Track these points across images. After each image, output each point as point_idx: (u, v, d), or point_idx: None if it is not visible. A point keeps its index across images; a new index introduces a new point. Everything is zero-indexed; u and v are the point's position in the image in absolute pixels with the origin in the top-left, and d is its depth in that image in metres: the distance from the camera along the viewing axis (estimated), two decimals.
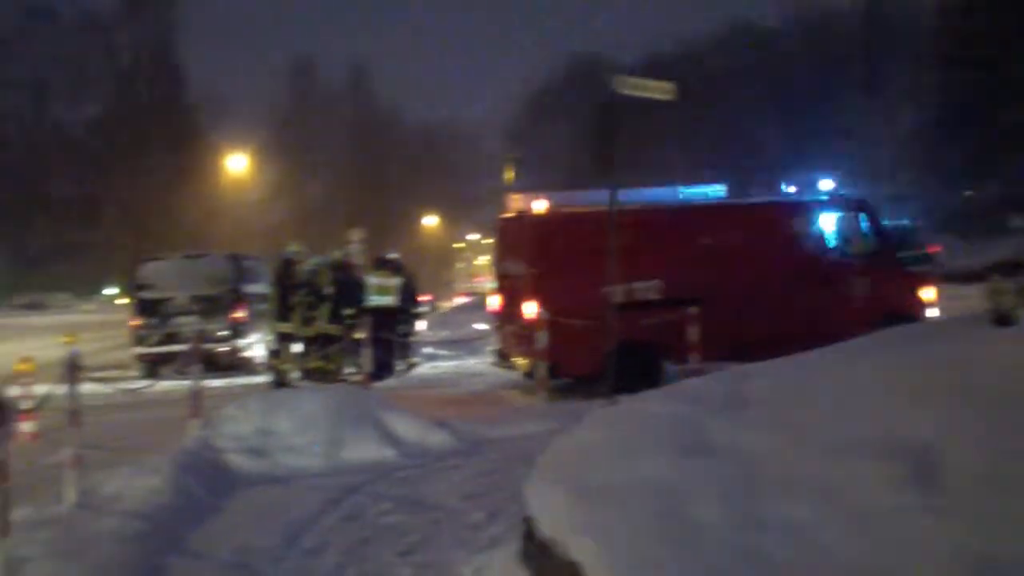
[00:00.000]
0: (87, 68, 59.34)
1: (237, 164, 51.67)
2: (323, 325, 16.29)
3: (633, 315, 13.34)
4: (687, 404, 5.95)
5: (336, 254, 17.97)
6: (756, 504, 4.49)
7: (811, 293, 14.32)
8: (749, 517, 4.41)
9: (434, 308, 46.50)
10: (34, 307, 54.33)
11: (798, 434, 5.03)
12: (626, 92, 11.27)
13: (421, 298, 20.21)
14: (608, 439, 5.85)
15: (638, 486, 4.92)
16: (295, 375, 16.31)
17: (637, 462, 5.20)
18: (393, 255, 19.18)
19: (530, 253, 14.28)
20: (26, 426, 11.41)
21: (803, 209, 15.23)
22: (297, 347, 16.36)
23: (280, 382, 15.98)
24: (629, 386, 9.44)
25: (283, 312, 16.52)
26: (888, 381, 5.28)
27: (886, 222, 15.47)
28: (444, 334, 27.77)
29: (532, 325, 13.56)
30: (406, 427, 10.42)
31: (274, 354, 16.79)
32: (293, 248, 17.28)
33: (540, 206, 14.58)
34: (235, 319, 19.61)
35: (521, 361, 14.66)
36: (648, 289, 14.04)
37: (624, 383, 10.83)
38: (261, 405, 10.49)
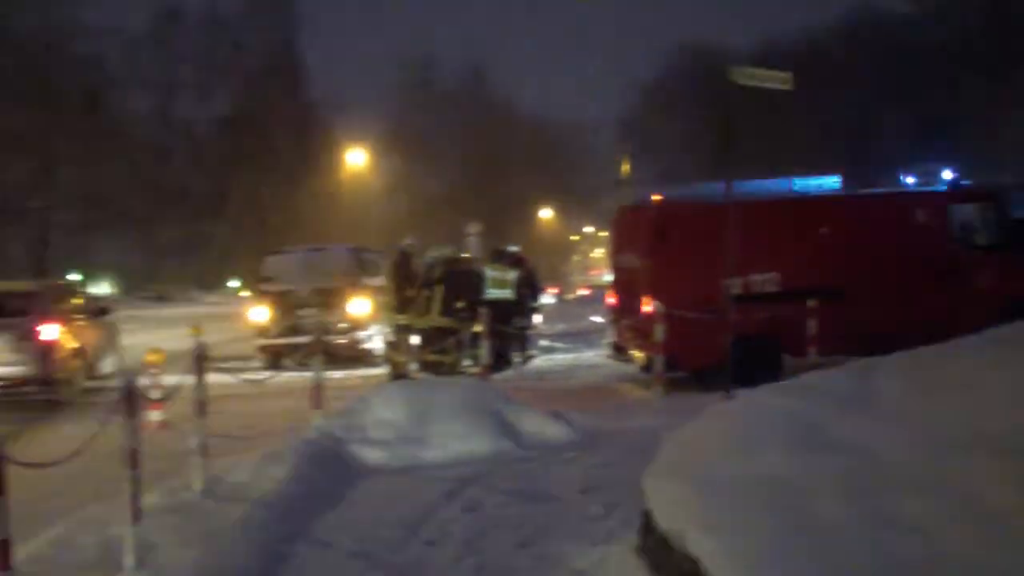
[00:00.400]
0: (214, 67, 61.10)
1: (356, 159, 52.35)
2: (437, 318, 16.44)
3: (751, 308, 13.15)
4: (808, 399, 5.83)
5: (446, 249, 18.08)
6: (881, 502, 4.38)
7: (936, 285, 13.90)
8: (875, 515, 4.30)
9: (561, 300, 46.48)
10: (162, 298, 56.19)
11: (924, 431, 4.89)
12: (743, 83, 11.11)
13: (546, 290, 20.14)
14: (727, 433, 5.78)
15: (759, 481, 4.84)
16: (413, 367, 16.49)
17: (757, 457, 5.12)
18: (513, 248, 19.28)
19: (646, 246, 14.17)
20: (155, 415, 11.80)
21: (928, 199, 14.80)
22: (415, 339, 16.56)
23: (398, 374, 16.19)
24: (747, 380, 9.30)
25: (400, 305, 16.77)
26: (1017, 377, 5.09)
27: (1014, 212, 14.88)
28: (561, 327, 27.75)
29: (649, 318, 13.46)
30: (523, 419, 10.44)
31: (391, 346, 17.01)
32: (407, 241, 17.60)
33: (656, 198, 14.47)
34: (355, 311, 19.88)
35: (638, 354, 14.58)
36: (766, 281, 13.82)
37: (742, 377, 10.70)
38: (381, 397, 10.64)
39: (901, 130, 47.82)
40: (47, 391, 14.57)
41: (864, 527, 4.24)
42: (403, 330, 16.73)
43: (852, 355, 8.47)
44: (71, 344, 15.40)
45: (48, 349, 14.67)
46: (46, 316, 14.88)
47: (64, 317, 15.53)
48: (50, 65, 46.54)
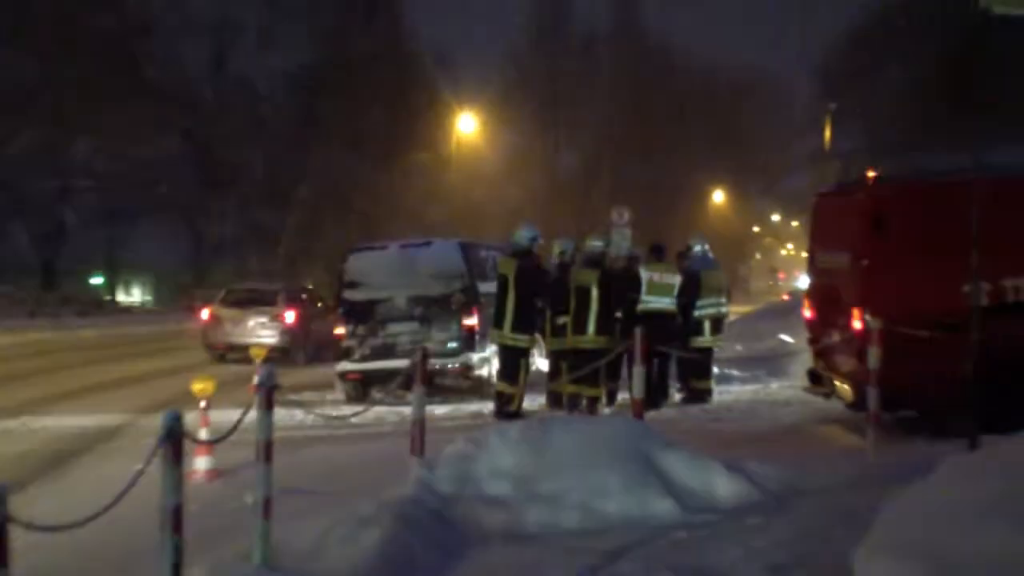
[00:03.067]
0: (280, 5, 60.64)
1: (467, 127, 52.64)
2: (592, 337, 16.50)
3: (1005, 323, 12.77)
4: None
5: (597, 242, 17.97)
6: None
7: None
8: None
9: (780, 306, 45.49)
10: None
11: None
12: (1002, 10, 10.80)
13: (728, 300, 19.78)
14: (972, 498, 5.64)
15: (1018, 565, 4.70)
16: (541, 402, 16.51)
17: (1017, 532, 4.96)
18: (698, 242, 19.10)
19: (859, 239, 13.92)
20: (204, 462, 11.99)
21: None
22: (541, 363, 16.63)
23: (511, 411, 16.26)
24: (1001, 424, 9.02)
25: (555, 328, 17.02)
26: None
27: None
28: (738, 349, 27.48)
29: (861, 337, 13.20)
30: (688, 472, 10.29)
31: (550, 377, 17.20)
32: (523, 233, 17.50)
33: (872, 175, 14.21)
34: (468, 327, 19.94)
35: (844, 386, 14.33)
36: None
37: (993, 419, 10.40)
38: (501, 440, 10.60)
39: None
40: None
41: None
42: (520, 353, 17.02)
43: None
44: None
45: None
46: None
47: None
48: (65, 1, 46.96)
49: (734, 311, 27.35)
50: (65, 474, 12.84)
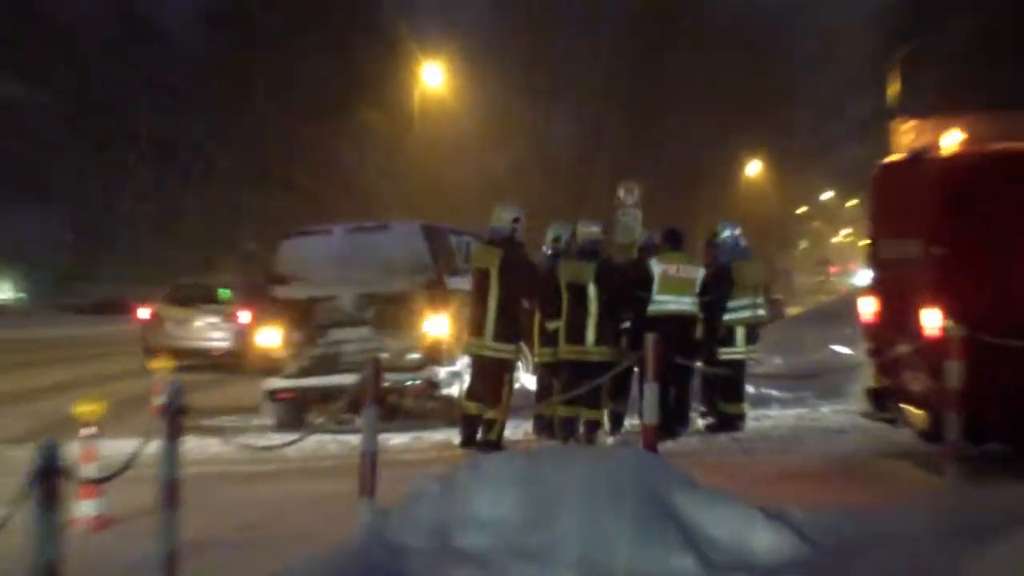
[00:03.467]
0: None
1: (434, 80, 52.58)
2: (592, 347, 16.50)
3: None
4: None
5: (593, 228, 17.90)
6: None
7: None
8: None
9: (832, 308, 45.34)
10: (103, 308, 55.70)
11: None
12: None
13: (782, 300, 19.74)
14: None
15: None
16: (527, 429, 16.50)
17: None
18: (727, 228, 18.95)
19: (935, 223, 13.92)
20: (90, 506, 11.88)
21: None
22: (526, 381, 16.61)
23: (489, 441, 16.24)
24: None
25: (545, 335, 17.05)
26: None
27: None
28: (777, 362, 27.49)
29: (936, 347, 13.19)
30: (715, 519, 10.27)
31: (538, 396, 17.20)
32: (503, 215, 17.41)
33: (953, 140, 14.20)
34: (434, 334, 19.86)
35: (915, 410, 14.33)
36: None
37: None
38: (476, 477, 10.54)
39: None
40: None
41: None
42: (553, 372, 17.17)
43: None
44: None
45: None
46: None
47: None
48: None
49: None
50: None
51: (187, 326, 31.14)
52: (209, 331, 31.19)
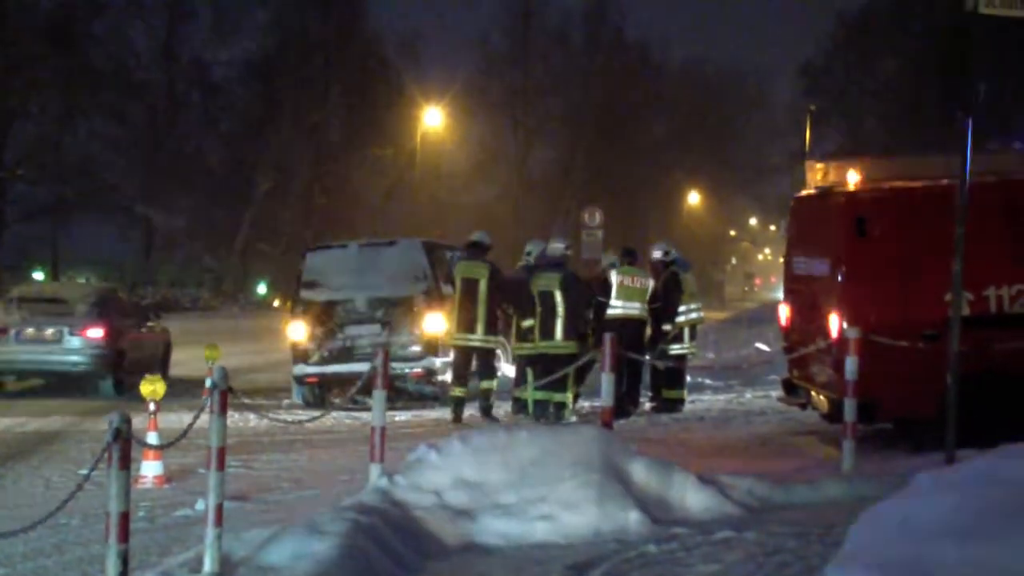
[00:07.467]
0: None
1: (433, 122, 52.41)
2: (561, 342, 16.56)
3: (990, 334, 12.86)
4: None
5: (559, 244, 18.02)
6: None
7: None
8: None
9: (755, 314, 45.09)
10: (163, 308, 55.55)
11: None
12: (988, 11, 10.87)
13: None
14: (949, 513, 5.69)
15: None
16: (507, 409, 16.56)
17: (994, 547, 5.04)
18: (665, 247, 19.08)
19: (838, 245, 13.94)
20: (153, 467, 11.91)
21: None
22: (505, 369, 16.67)
23: (488, 406, 16.44)
24: (980, 437, 9.08)
25: (522, 332, 17.19)
26: None
27: None
28: (710, 357, 27.54)
29: (838, 346, 13.24)
30: (658, 484, 10.34)
31: (516, 384, 17.32)
32: (476, 237, 17.74)
33: (853, 179, 14.26)
34: (431, 331, 19.89)
35: (820, 397, 14.37)
36: (1014, 297, 13.50)
37: (972, 432, 10.47)
38: (463, 448, 10.60)
39: None
40: None
41: None
42: (528, 363, 17.14)
43: None
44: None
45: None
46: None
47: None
48: None
49: (708, 317, 27.32)
50: (4, 478, 12.72)
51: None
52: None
